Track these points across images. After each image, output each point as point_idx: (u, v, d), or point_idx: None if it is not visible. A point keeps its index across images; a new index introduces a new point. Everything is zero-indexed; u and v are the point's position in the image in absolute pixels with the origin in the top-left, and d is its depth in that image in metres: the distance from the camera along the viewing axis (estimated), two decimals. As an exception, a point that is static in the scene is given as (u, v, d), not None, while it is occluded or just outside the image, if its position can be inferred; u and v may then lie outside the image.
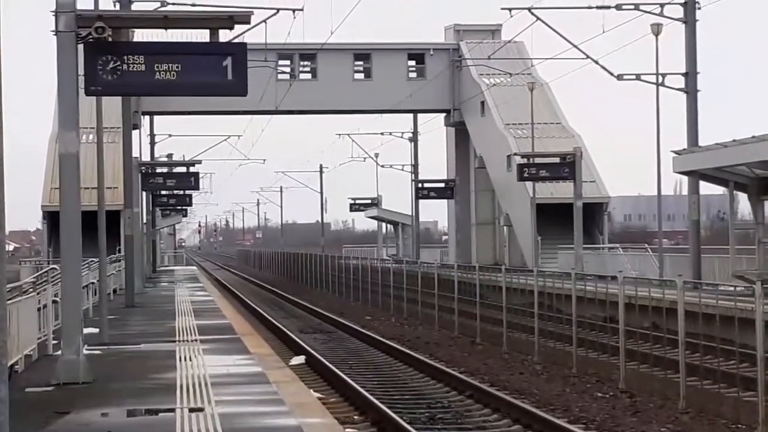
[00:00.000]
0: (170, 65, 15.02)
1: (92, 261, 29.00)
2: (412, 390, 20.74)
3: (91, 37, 14.91)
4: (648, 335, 22.48)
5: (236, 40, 18.17)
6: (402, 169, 75.88)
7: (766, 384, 15.71)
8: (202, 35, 15.74)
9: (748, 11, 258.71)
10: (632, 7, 36.66)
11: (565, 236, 46.34)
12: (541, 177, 45.21)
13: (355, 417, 17.27)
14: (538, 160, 45.32)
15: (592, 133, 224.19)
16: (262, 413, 12.24)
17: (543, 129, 52.88)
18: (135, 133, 48.63)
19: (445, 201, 67.31)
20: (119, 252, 41.23)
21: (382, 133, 75.06)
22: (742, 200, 36.77)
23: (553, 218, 49.25)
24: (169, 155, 68.33)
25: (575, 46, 39.33)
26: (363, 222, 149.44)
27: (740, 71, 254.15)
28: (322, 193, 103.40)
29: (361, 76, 60.96)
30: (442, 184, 64.51)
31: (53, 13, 15.14)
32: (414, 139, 71.71)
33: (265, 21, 35.46)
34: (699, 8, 35.72)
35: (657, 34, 36.59)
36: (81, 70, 14.99)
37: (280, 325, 34.08)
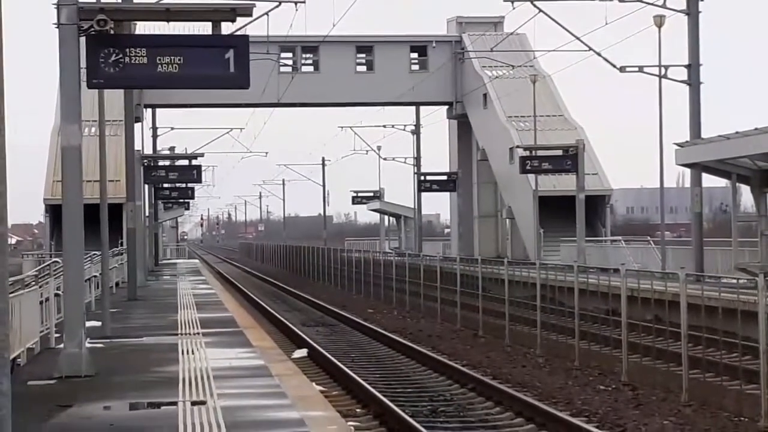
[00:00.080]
0: (172, 58, 15.00)
1: (94, 254, 29.01)
2: (415, 383, 20.74)
3: (93, 29, 14.89)
4: (650, 328, 22.44)
5: (238, 33, 18.13)
6: (404, 162, 75.90)
7: (768, 377, 15.70)
8: (204, 28, 15.73)
9: (751, 3, 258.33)
10: (635, -2, 36.56)
11: (567, 229, 46.35)
12: (543, 169, 45.19)
13: (358, 410, 17.27)
14: (540, 153, 45.29)
15: (594, 126, 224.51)
16: (265, 406, 12.24)
17: (545, 121, 52.87)
18: (137, 126, 48.63)
19: (448, 194, 67.32)
20: (121, 245, 41.25)
21: (384, 126, 75.13)
22: (745, 192, 36.74)
23: (555, 211, 49.26)
24: (172, 148, 68.39)
25: (578, 38, 39.28)
26: (365, 215, 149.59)
27: (743, 63, 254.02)
28: (324, 185, 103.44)
29: (363, 68, 60.94)
30: (445, 177, 64.52)
31: (55, 6, 15.13)
32: (416, 132, 71.72)
33: (267, 13, 35.44)
34: (702, 0, 35.66)
35: (660, 25, 36.55)
36: (83, 63, 14.99)
37: (282, 318, 34.09)
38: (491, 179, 59.13)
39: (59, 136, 16.46)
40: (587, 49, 39.10)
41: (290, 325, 31.83)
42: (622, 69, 37.35)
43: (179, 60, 15.00)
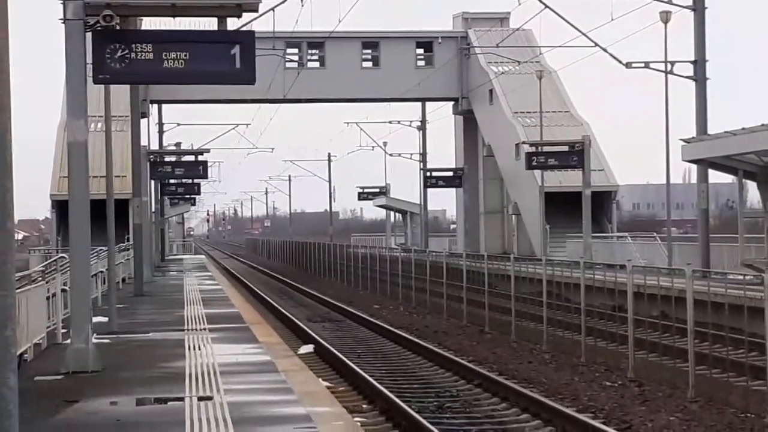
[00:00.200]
0: (178, 53, 15.00)
1: (101, 250, 29.04)
2: (421, 379, 20.74)
3: (99, 25, 14.90)
4: (657, 324, 22.46)
5: (244, 29, 18.16)
6: (410, 158, 75.90)
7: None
8: (210, 23, 15.73)
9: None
10: (641, -6, 36.54)
11: (573, 225, 46.33)
12: (549, 165, 45.16)
13: (364, 406, 17.28)
14: (546, 149, 45.26)
15: (600, 122, 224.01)
16: (271, 402, 12.24)
17: (551, 117, 52.82)
18: (143, 121, 48.70)
19: (454, 190, 67.27)
20: (128, 241, 41.29)
21: (390, 122, 75.05)
22: (751, 189, 36.68)
23: (561, 207, 49.23)
24: (178, 144, 68.39)
25: (584, 34, 39.27)
26: (371, 211, 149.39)
27: (750, 59, 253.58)
28: (330, 181, 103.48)
29: (369, 64, 60.92)
30: (451, 173, 64.47)
31: (61, 2, 15.13)
32: (422, 128, 71.68)
33: (273, 9, 35.53)
34: (708, -4, 35.62)
35: (666, 21, 36.50)
36: (89, 59, 14.99)
37: (288, 314, 34.10)
38: (497, 175, 59.10)
39: (65, 131, 16.46)
40: (593, 44, 39.10)
41: (296, 320, 31.85)
42: (628, 65, 37.33)
43: (185, 56, 15.00)
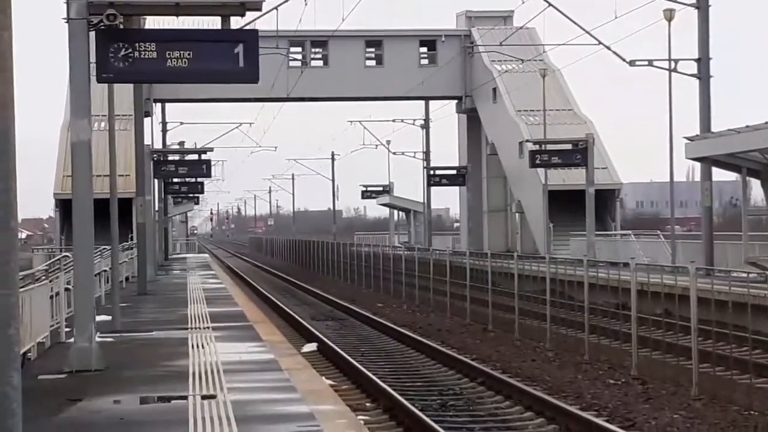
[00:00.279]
0: (182, 52, 15.00)
1: (104, 249, 29.06)
2: (424, 377, 20.75)
3: (102, 24, 14.91)
4: (660, 322, 22.44)
5: (248, 27, 18.15)
6: (414, 156, 75.87)
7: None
8: (213, 22, 15.73)
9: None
10: (645, -8, 36.50)
11: (577, 223, 46.31)
12: (553, 164, 45.14)
13: (367, 404, 17.29)
14: (550, 147, 45.26)
15: (604, 120, 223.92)
16: (275, 400, 12.25)
17: (555, 115, 52.81)
18: (147, 120, 48.74)
19: (457, 188, 67.25)
20: (131, 239, 41.31)
21: (393, 120, 75.06)
22: (755, 186, 36.73)
23: (565, 205, 49.21)
24: (181, 143, 68.39)
25: (587, 32, 39.25)
26: (375, 209, 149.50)
27: (754, 57, 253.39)
28: (333, 180, 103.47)
29: (372, 63, 60.90)
30: (454, 171, 64.47)
31: (65, 1, 15.15)
32: (426, 126, 71.67)
33: (276, 8, 35.50)
34: (712, -7, 35.59)
35: (669, 19, 36.50)
36: (93, 58, 15.00)
37: (292, 313, 34.12)
38: (500, 173, 59.07)
39: (69, 130, 16.49)
40: (597, 43, 39.08)
41: (300, 319, 31.86)
42: (631, 63, 37.31)
43: (188, 54, 15.01)
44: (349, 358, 21.90)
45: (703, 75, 35.46)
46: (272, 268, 73.25)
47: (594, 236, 42.41)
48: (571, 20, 39.19)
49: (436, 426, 14.41)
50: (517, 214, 57.10)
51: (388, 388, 17.55)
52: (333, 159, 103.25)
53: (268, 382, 13.62)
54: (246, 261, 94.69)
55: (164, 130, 67.55)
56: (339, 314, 36.17)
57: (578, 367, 21.19)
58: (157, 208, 52.97)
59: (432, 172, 64.84)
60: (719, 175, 37.49)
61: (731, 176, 42.73)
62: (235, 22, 15.46)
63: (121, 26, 15.05)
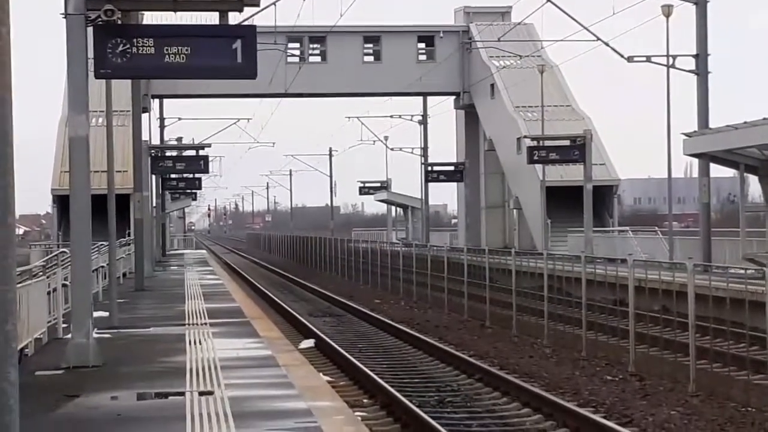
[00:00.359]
0: (180, 48, 14.98)
1: (102, 244, 29.03)
2: (422, 373, 20.74)
3: (100, 19, 14.88)
4: (658, 318, 22.46)
5: (246, 23, 18.14)
6: (412, 152, 75.86)
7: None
8: (211, 18, 15.71)
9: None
10: (643, -12, 36.49)
11: (574, 219, 46.33)
12: (550, 160, 45.15)
13: (365, 400, 17.28)
14: (547, 143, 45.25)
15: (602, 116, 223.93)
16: (272, 396, 12.24)
17: (553, 111, 52.80)
18: (144, 116, 48.66)
19: (455, 184, 67.28)
20: (129, 235, 41.30)
21: (391, 116, 75.04)
22: (753, 183, 36.73)
23: (562, 201, 49.22)
24: (179, 138, 68.37)
25: (585, 28, 39.22)
26: (372, 205, 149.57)
27: (751, 53, 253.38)
28: (331, 176, 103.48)
29: (370, 58, 60.90)
30: (452, 167, 64.47)
31: (62, -4, 15.12)
32: (424, 122, 71.64)
33: (274, 3, 35.45)
34: (710, -11, 35.56)
35: (668, 15, 36.47)
36: (90, 53, 14.98)
37: (289, 309, 34.10)
38: (498, 169, 59.08)
39: (67, 126, 16.46)
40: (595, 39, 39.06)
41: (297, 315, 31.85)
42: (629, 59, 37.29)
43: (186, 50, 14.98)
44: (346, 354, 21.89)
45: (701, 71, 35.45)
46: (270, 264, 73.22)
47: (592, 232, 42.42)
48: (569, 16, 39.17)
49: (433, 422, 14.40)
50: (514, 210, 57.11)
51: (386, 385, 17.54)
52: (331, 155, 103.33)
53: (265, 379, 13.61)
54: (243, 257, 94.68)
55: (162, 126, 67.49)
56: (336, 310, 36.16)
57: (576, 364, 21.19)
58: (154, 204, 52.95)
59: (430, 168, 64.83)
60: (717, 171, 37.53)
61: (729, 172, 42.79)
62: (233, 18, 15.46)
63: (119, 21, 15.02)
